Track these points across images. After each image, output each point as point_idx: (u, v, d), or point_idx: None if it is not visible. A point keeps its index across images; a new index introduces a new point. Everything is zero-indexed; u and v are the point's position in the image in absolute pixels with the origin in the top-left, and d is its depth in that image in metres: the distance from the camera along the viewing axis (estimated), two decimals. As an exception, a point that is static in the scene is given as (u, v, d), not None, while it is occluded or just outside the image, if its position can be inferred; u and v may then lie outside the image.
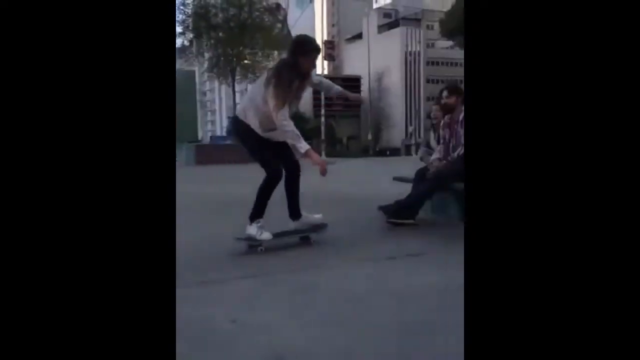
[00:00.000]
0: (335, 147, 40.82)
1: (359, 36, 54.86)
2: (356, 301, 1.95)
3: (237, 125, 2.94)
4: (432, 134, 4.81)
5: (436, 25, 41.40)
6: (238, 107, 3.16)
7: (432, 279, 2.22)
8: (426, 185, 3.52)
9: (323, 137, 16.33)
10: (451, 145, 3.62)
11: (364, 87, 46.20)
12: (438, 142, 4.06)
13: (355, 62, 52.06)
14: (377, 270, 2.42)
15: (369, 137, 41.47)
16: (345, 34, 61.47)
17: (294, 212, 3.03)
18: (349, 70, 54.36)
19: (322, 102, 16.41)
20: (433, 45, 54.76)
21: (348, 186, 6.78)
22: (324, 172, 2.90)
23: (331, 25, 62.15)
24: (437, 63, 55.73)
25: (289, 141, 2.80)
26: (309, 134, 31.23)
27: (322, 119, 16.31)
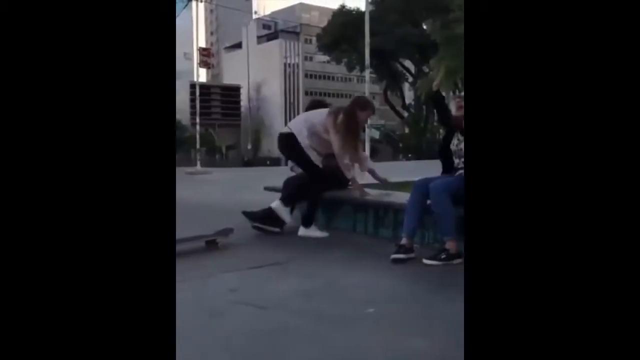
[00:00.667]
0: (214, 157, 41.39)
1: (238, 45, 56.10)
2: (212, 313, 1.96)
3: (291, 141, 3.64)
4: None
5: (314, 40, 44.06)
6: (292, 125, 3.78)
7: (294, 287, 2.31)
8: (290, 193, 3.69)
9: (198, 146, 16.52)
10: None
11: (244, 96, 47.79)
12: None
13: (234, 71, 53.21)
14: (239, 280, 2.46)
15: (249, 146, 42.69)
16: (223, 42, 62.45)
17: (309, 220, 3.61)
18: (228, 79, 55.31)
19: (198, 110, 16.25)
20: (311, 59, 57.70)
21: (220, 196, 6.71)
22: (363, 195, 3.57)
23: (209, 33, 62.82)
24: (315, 76, 58.88)
25: (343, 170, 3.60)
26: (185, 143, 31.49)
27: (197, 127, 16.39)
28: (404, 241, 2.83)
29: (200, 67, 19.85)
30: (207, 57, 19.77)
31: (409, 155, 33.31)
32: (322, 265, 2.80)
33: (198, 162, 15.66)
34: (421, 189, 2.90)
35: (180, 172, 13.33)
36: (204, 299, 2.22)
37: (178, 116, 38.72)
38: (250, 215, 3.67)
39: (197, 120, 16.23)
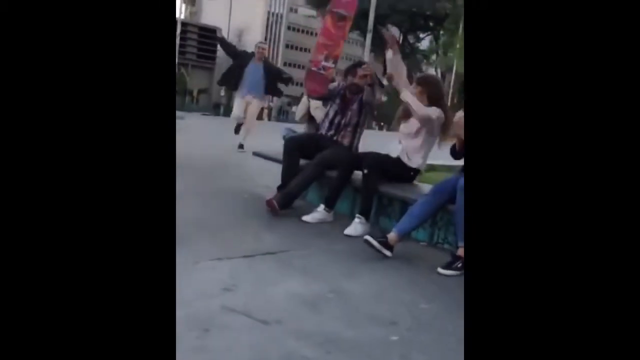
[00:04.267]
0: (184, 99, 39.92)
1: (222, -14, 53.43)
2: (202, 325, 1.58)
3: None
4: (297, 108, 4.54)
5: (303, -9, 42.28)
6: None
7: (287, 285, 2.02)
8: (310, 171, 3.21)
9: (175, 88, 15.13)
10: (342, 122, 3.42)
11: (221, 40, 45.73)
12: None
13: (214, 13, 50.87)
14: (230, 271, 2.09)
15: (222, 92, 41.28)
16: (207, -19, 59.29)
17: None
18: (207, 20, 52.90)
19: (177, 48, 14.62)
20: (296, 11, 55.80)
21: (199, 150, 6.11)
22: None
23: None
24: (298, 30, 57.20)
25: None
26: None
27: (175, 68, 14.81)
28: (392, 235, 2.52)
29: (184, 2, 18.23)
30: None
31: (382, 124, 32.92)
32: (316, 260, 2.41)
33: (174, 107, 14.44)
34: (442, 194, 2.54)
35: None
36: (192, 292, 1.81)
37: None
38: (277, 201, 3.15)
39: (176, 59, 14.75)
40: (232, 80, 6.32)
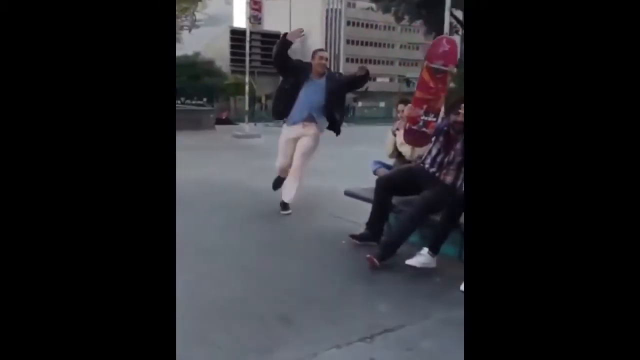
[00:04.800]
0: (254, 107, 40.82)
1: (280, -9, 54.27)
2: None
3: None
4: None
5: (358, -16, 41.85)
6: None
7: None
8: (411, 218, 3.02)
9: (247, 98, 14.40)
10: (445, 160, 3.24)
11: (284, 44, 46.49)
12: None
13: (275, 17, 51.77)
14: None
15: (288, 94, 41.53)
16: (266, -13, 60.36)
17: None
18: (268, 26, 53.95)
19: (247, 57, 14.21)
20: (354, 5, 55.38)
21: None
22: None
23: (251, -23, 60.89)
24: (358, 24, 56.70)
25: None
26: (225, 91, 30.97)
27: (247, 76, 14.14)
28: None
29: (250, 22, 18.37)
30: (258, 11, 18.47)
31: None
32: (453, 339, 1.90)
33: (246, 119, 13.52)
34: None
35: (225, 132, 11.34)
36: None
37: (218, 63, 38.24)
38: (361, 239, 3.20)
39: (247, 68, 14.11)
40: (284, 106, 4.15)
